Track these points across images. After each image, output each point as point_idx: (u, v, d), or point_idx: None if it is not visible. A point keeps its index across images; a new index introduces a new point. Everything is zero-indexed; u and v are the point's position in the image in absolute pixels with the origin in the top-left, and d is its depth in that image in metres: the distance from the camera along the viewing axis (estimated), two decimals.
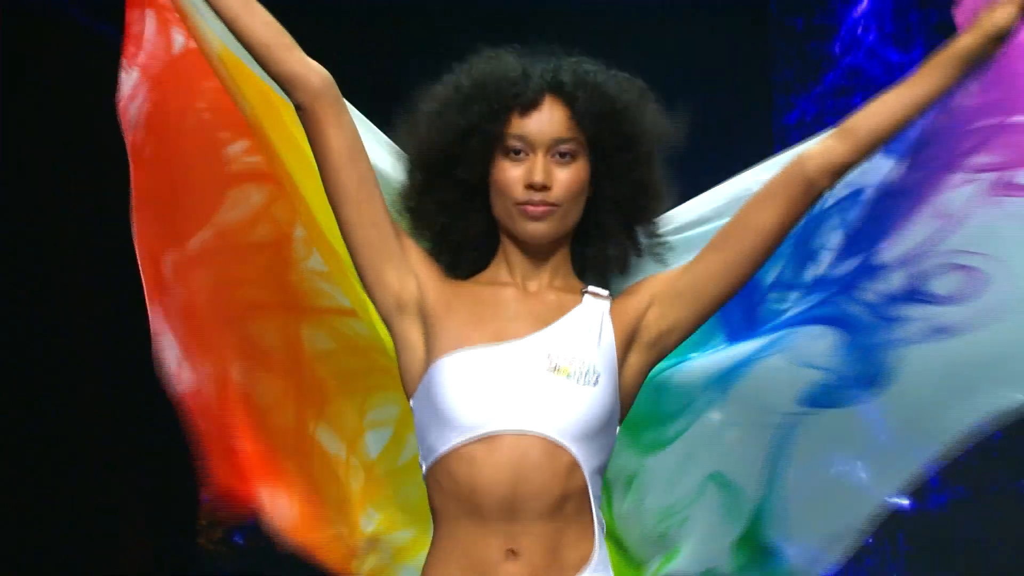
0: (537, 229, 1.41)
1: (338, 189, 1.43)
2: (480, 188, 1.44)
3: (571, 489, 1.36)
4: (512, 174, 1.40)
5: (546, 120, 1.41)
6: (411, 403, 1.43)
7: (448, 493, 1.37)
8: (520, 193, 1.40)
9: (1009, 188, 1.52)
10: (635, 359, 1.44)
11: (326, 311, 1.68)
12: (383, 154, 1.57)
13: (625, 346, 1.43)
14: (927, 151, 1.51)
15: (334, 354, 1.68)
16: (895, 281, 1.56)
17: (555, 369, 1.37)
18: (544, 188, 1.39)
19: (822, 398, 1.61)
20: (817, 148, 1.40)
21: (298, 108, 1.43)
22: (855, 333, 1.59)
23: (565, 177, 1.41)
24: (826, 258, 1.60)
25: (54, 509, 3.61)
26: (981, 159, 1.51)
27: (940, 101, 1.40)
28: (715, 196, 1.61)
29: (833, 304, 1.59)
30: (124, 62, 1.61)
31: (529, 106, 1.40)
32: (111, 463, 3.78)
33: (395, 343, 1.46)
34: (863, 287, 1.57)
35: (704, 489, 1.67)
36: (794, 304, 1.62)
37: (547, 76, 1.42)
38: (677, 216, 1.59)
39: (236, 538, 2.04)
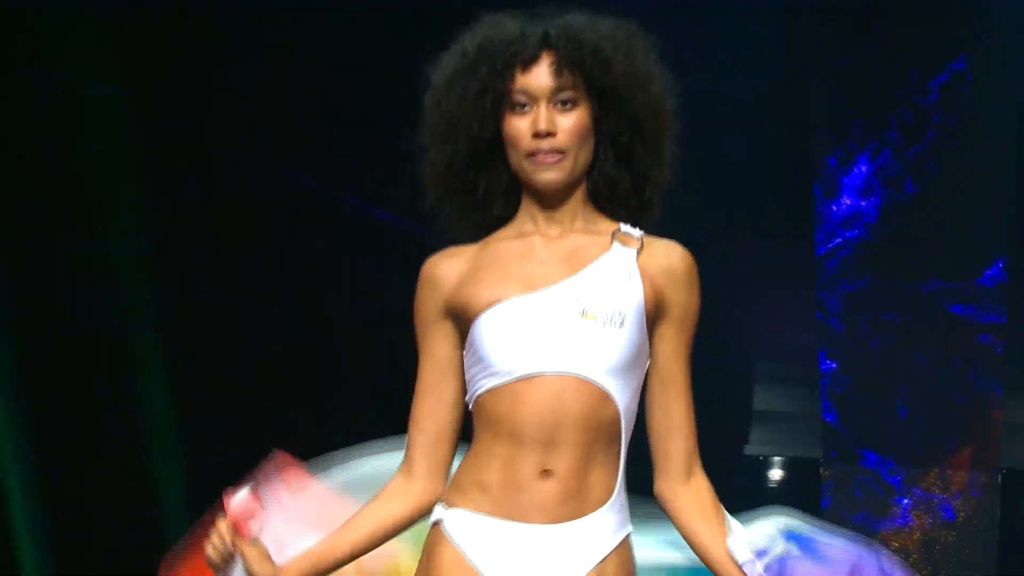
0: (550, 177, 1.49)
1: None
2: (497, 143, 1.52)
3: (605, 419, 1.46)
4: (519, 126, 1.49)
5: (544, 72, 1.49)
6: (464, 356, 1.53)
7: (491, 418, 1.47)
8: (528, 143, 1.48)
9: None
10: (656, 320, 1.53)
11: None
12: None
13: (652, 301, 1.50)
14: None
15: None
16: None
17: (583, 314, 1.46)
18: (549, 135, 1.48)
19: None
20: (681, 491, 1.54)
21: None
22: None
23: (568, 123, 1.48)
24: None
25: None
26: None
27: None
28: None
29: None
30: None
31: (529, 62, 1.49)
32: None
33: None
34: None
35: None
36: None
37: (540, 32, 1.50)
38: None
39: None
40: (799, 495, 5.35)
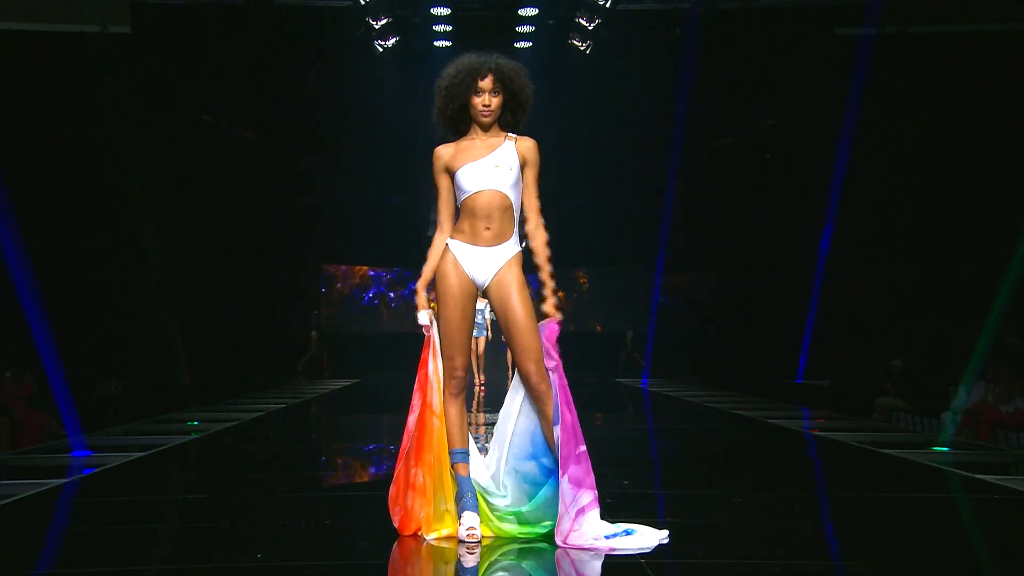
0: (486, 122, 3.91)
1: None
2: (466, 106, 3.89)
3: (506, 205, 3.86)
4: (476, 100, 3.90)
5: (488, 80, 3.90)
6: (454, 187, 3.88)
7: (465, 208, 3.84)
8: (480, 108, 3.89)
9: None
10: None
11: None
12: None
13: (522, 162, 3.89)
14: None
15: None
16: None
17: (496, 167, 3.86)
18: (486, 106, 3.88)
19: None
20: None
21: None
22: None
23: (495, 101, 3.91)
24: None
25: None
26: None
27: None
28: None
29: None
30: None
31: (484, 76, 3.89)
32: None
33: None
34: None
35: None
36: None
37: (490, 64, 3.89)
38: None
39: None
40: None
